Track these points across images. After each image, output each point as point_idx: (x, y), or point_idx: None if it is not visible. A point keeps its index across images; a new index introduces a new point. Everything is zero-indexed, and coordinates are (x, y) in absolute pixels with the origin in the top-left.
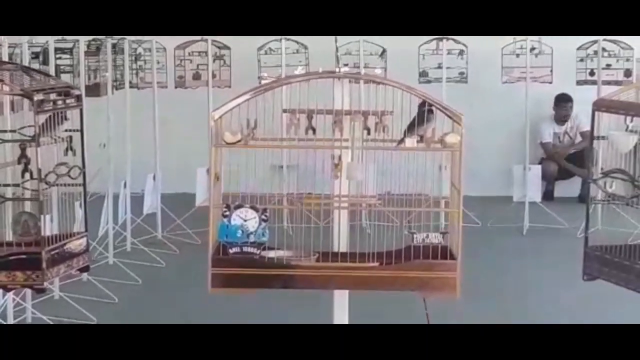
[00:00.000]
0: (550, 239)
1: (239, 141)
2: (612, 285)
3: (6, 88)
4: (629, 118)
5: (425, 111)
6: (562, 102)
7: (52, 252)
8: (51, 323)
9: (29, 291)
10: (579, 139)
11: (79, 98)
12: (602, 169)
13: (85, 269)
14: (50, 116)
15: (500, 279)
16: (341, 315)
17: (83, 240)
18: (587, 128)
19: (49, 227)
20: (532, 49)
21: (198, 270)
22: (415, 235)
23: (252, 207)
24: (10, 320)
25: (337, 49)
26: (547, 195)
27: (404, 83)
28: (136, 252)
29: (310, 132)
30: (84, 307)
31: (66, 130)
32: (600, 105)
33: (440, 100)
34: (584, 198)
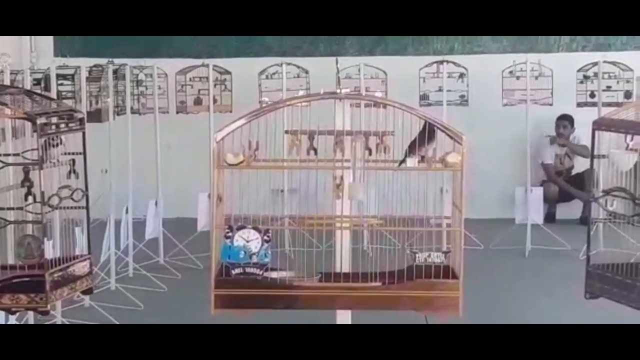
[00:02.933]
0: (553, 261)
1: (241, 162)
2: (615, 306)
3: (9, 112)
4: (629, 137)
5: (427, 131)
6: (558, 120)
7: (56, 275)
8: None
9: (31, 316)
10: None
11: (81, 121)
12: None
13: (88, 292)
14: (45, 140)
15: (502, 301)
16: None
17: (86, 263)
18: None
19: (51, 252)
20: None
21: (200, 295)
22: (417, 255)
23: (255, 228)
24: None
25: (338, 70)
26: (549, 218)
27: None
28: (138, 278)
29: (312, 152)
30: None
31: (69, 154)
32: (601, 125)
33: (440, 120)
34: (585, 220)
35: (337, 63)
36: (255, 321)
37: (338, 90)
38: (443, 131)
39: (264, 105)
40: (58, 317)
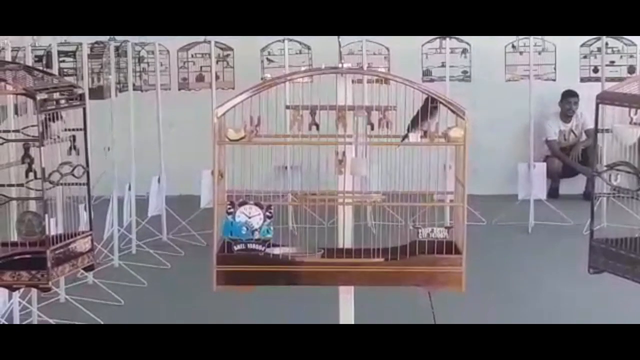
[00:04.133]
0: (556, 236)
1: (243, 138)
2: (619, 282)
3: (9, 88)
4: (633, 110)
5: (429, 106)
6: (568, 96)
7: (57, 252)
8: None
9: (34, 294)
10: (584, 137)
11: (82, 97)
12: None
13: (90, 268)
14: (45, 116)
15: (506, 277)
16: (347, 312)
17: (88, 240)
18: (592, 126)
19: (54, 229)
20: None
21: (204, 272)
22: (420, 230)
23: (257, 204)
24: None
25: (339, 44)
26: (552, 193)
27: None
28: (141, 255)
29: (314, 128)
30: (90, 309)
31: (69, 130)
32: (604, 98)
33: (443, 94)
34: (589, 195)
35: (338, 38)
36: (255, 320)
37: (340, 65)
38: (445, 106)
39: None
40: (62, 294)
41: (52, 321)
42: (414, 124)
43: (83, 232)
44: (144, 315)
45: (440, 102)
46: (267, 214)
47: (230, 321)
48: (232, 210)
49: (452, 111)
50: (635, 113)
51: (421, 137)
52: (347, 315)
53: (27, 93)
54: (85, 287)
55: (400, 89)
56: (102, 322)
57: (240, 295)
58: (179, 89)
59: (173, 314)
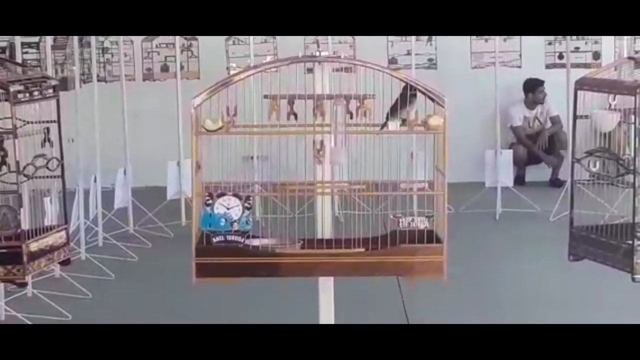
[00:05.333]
0: (523, 223)
1: (220, 128)
2: (587, 268)
3: None
4: (611, 96)
5: (408, 93)
6: (537, 86)
7: (32, 246)
8: (25, 320)
9: (1, 288)
10: (549, 123)
11: (55, 89)
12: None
13: (66, 262)
14: None
15: (474, 264)
16: (327, 302)
17: (63, 234)
18: (556, 113)
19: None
20: None
21: (171, 264)
22: (400, 220)
23: (235, 195)
24: None
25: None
26: (519, 180)
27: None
28: (108, 247)
29: (292, 117)
30: (58, 303)
31: (43, 122)
32: (583, 84)
33: (422, 82)
34: (554, 182)
35: None
36: (226, 312)
37: (317, 53)
38: (424, 94)
39: (231, 71)
40: (29, 288)
41: (19, 315)
42: (393, 112)
43: (58, 226)
44: (111, 309)
45: (419, 90)
46: (246, 205)
47: (200, 313)
48: (210, 201)
49: (432, 99)
50: (614, 99)
51: (400, 125)
52: (326, 307)
53: (0, 85)
54: (52, 280)
55: (378, 76)
56: (70, 316)
57: (210, 286)
58: (144, 80)
59: (141, 306)
